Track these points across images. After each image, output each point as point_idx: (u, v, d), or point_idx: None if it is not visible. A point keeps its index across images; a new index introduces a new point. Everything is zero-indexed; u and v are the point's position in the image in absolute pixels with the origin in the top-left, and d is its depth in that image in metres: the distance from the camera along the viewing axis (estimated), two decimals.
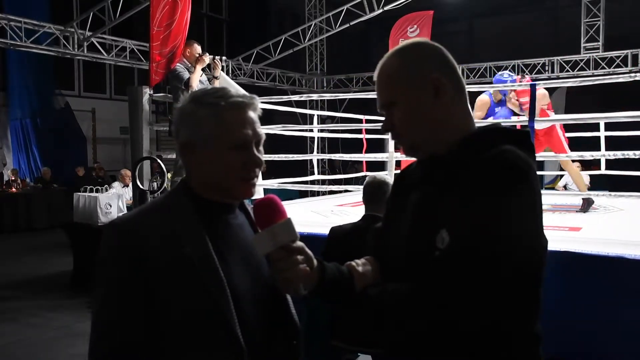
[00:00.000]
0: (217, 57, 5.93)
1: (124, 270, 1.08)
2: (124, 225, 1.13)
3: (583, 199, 5.20)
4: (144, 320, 1.06)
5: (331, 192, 7.49)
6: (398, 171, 3.57)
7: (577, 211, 5.11)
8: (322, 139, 12.79)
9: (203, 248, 1.11)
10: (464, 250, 1.00)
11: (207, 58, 5.63)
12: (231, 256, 1.15)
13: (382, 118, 1.22)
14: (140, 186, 5.84)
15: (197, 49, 5.70)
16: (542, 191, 1.10)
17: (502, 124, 1.25)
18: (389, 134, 1.20)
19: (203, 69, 5.69)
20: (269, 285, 1.19)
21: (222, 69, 6.31)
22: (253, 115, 1.16)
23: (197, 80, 5.53)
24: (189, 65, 5.67)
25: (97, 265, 1.12)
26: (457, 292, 1.00)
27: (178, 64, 5.70)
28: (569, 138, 7.48)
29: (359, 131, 7.68)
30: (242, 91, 1.22)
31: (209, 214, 1.16)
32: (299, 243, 1.10)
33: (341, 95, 6.66)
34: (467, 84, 1.22)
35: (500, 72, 5.81)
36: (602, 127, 6.70)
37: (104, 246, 1.12)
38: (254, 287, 1.16)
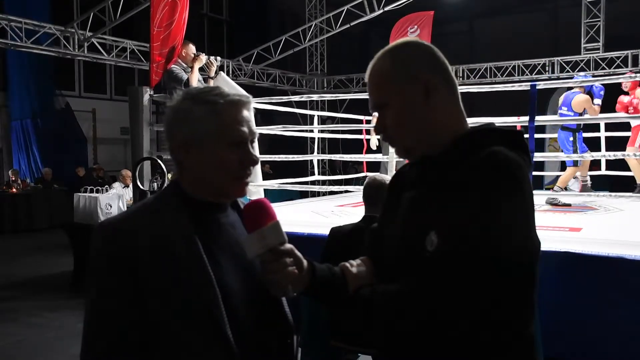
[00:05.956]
0: (213, 57, 5.92)
1: (113, 272, 1.07)
2: (113, 227, 1.12)
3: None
4: (135, 322, 1.05)
5: (331, 193, 7.48)
6: None
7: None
8: (323, 139, 12.78)
9: (192, 248, 1.09)
10: (453, 251, 1.00)
11: (204, 57, 5.61)
12: (222, 255, 1.14)
13: None
14: (141, 186, 5.84)
15: (193, 49, 5.68)
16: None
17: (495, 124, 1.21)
18: (382, 135, 1.19)
19: (199, 69, 5.67)
20: (262, 284, 1.18)
21: (222, 69, 6.29)
22: (248, 114, 1.17)
23: (197, 80, 5.51)
24: (185, 66, 5.65)
25: (88, 268, 1.11)
26: (446, 293, 0.99)
27: (174, 66, 5.66)
28: None
29: (359, 132, 7.69)
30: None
31: (199, 213, 1.15)
32: (288, 245, 1.10)
33: (341, 96, 6.67)
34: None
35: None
36: (602, 127, 6.71)
37: (93, 248, 1.11)
38: (245, 286, 1.15)
